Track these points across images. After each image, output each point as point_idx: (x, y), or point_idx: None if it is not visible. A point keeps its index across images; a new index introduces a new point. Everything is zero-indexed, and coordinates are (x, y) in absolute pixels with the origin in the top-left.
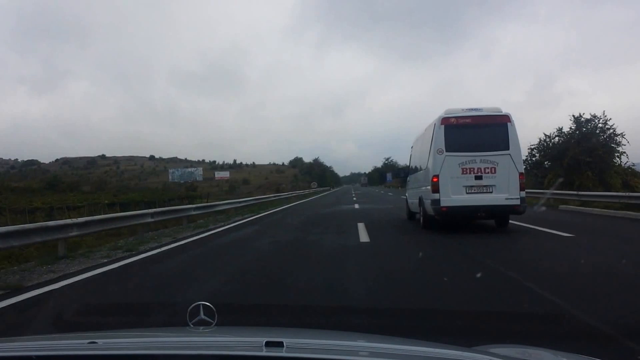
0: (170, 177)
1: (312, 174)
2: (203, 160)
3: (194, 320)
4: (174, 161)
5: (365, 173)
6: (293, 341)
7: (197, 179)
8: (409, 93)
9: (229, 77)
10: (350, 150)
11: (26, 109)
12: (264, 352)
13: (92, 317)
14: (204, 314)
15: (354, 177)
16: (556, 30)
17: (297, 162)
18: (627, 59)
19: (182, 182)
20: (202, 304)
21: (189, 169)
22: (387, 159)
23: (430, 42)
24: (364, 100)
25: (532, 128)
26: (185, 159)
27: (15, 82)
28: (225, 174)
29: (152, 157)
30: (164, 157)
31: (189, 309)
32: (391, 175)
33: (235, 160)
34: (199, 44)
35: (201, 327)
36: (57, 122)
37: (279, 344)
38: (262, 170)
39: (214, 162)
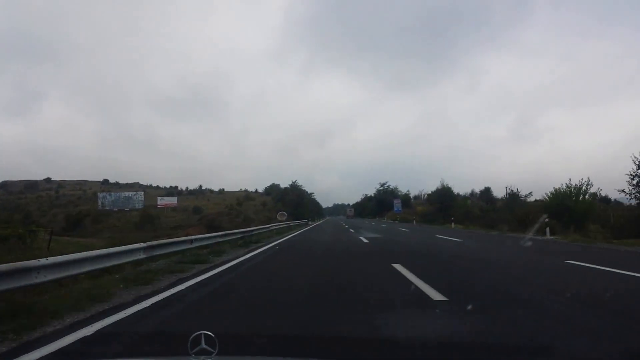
0: (100, 204)
1: (286, 202)
2: (170, 187)
3: (195, 350)
4: (132, 186)
5: (349, 204)
6: None
7: (137, 205)
8: (394, 124)
9: (208, 102)
10: (334, 182)
11: None
12: None
13: None
14: (205, 344)
15: (338, 209)
16: (548, 63)
17: (272, 189)
18: (624, 93)
19: (115, 209)
20: (204, 334)
21: (126, 194)
22: (384, 185)
23: (418, 72)
24: (348, 130)
25: (516, 164)
26: (150, 185)
27: None
28: (172, 200)
29: (105, 182)
30: (124, 182)
31: (190, 338)
32: (399, 203)
33: (200, 186)
34: (177, 68)
35: (202, 357)
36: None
37: None
38: (229, 197)
39: (176, 187)
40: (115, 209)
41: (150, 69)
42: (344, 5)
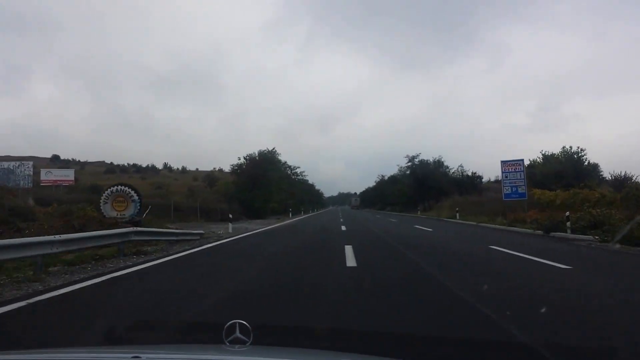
0: None
1: (246, 179)
2: (128, 164)
3: (229, 338)
4: (93, 164)
5: (355, 193)
6: None
7: (22, 183)
8: (402, 107)
9: (201, 81)
10: (339, 170)
11: None
12: None
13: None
14: (240, 333)
15: (343, 198)
16: (577, 41)
17: None
18: None
19: None
20: (239, 323)
21: (5, 165)
22: (414, 158)
23: (431, 47)
24: (353, 114)
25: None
26: (112, 162)
27: None
28: (67, 174)
29: (55, 158)
30: (84, 160)
31: (225, 327)
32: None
33: (166, 164)
34: (169, 42)
35: (237, 346)
36: None
37: None
38: (189, 177)
39: (134, 165)
40: None
41: (137, 45)
42: None
